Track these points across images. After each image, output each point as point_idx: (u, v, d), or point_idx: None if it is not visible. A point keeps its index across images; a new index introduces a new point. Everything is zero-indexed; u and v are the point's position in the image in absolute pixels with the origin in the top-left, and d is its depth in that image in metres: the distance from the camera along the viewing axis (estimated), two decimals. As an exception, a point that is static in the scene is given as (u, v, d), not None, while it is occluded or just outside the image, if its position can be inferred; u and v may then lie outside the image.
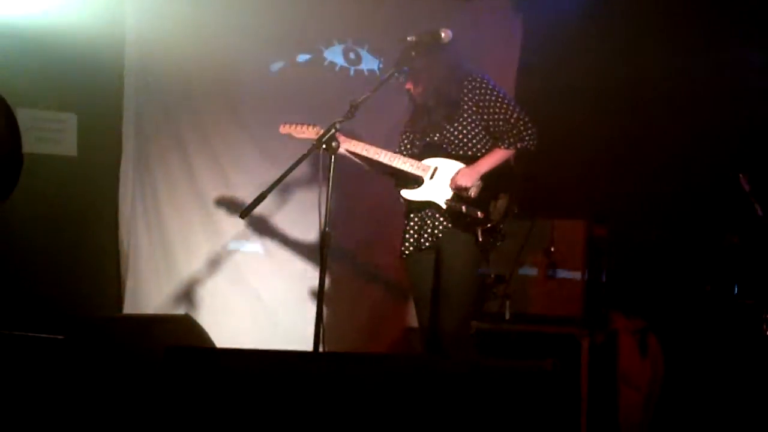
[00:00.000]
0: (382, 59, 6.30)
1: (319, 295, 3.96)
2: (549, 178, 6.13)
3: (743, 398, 5.19)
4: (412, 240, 4.50)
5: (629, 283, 6.05)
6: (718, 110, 6.00)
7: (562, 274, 5.44)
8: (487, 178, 4.40)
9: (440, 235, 4.41)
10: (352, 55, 6.32)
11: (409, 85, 4.57)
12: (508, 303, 5.48)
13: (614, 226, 5.69)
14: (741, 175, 5.02)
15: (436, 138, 4.51)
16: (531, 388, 2.98)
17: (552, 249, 5.47)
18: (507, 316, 5.49)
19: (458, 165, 4.43)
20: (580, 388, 5.23)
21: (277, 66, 5.99)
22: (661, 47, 6.13)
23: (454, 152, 4.46)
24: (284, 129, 4.57)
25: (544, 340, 5.40)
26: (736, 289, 5.19)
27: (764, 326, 4.88)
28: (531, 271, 5.50)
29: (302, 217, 5.65)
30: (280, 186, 4.19)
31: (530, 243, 5.49)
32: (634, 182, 6.24)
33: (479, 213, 4.34)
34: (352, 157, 4.51)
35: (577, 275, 5.42)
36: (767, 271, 5.19)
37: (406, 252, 4.52)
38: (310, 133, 4.45)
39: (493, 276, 5.47)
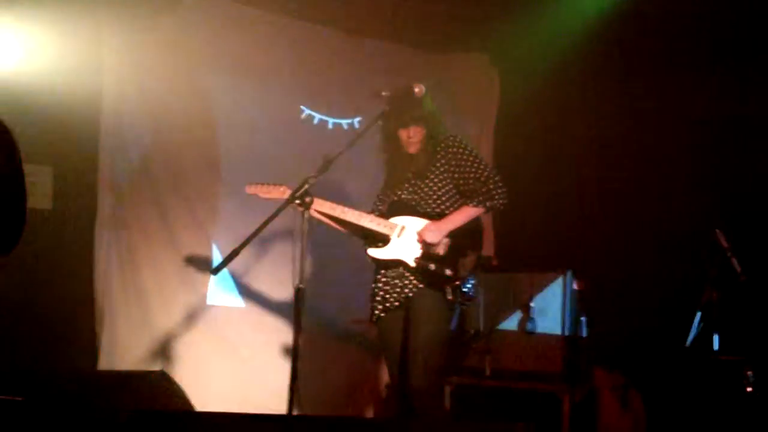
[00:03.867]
0: (360, 113, 6.31)
1: (294, 352, 3.89)
2: (528, 232, 6.13)
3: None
4: (381, 300, 4.45)
5: (609, 337, 6.02)
6: (698, 165, 6.02)
7: (542, 329, 5.40)
8: (455, 236, 4.37)
9: (410, 294, 4.35)
10: (330, 109, 6.33)
11: (384, 140, 4.56)
12: (488, 358, 5.44)
13: (593, 280, 5.67)
14: (717, 231, 5.00)
15: (405, 195, 4.48)
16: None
17: (531, 303, 5.44)
18: (487, 372, 5.44)
19: (426, 222, 4.41)
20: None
21: (256, 119, 5.96)
22: (638, 102, 6.16)
23: (422, 210, 4.42)
24: (250, 189, 4.51)
25: (524, 396, 5.34)
26: (716, 344, 5.15)
27: (745, 382, 4.84)
28: (510, 326, 5.46)
29: (279, 271, 5.58)
30: (258, 239, 4.13)
31: (510, 297, 5.47)
32: (613, 236, 6.23)
33: (448, 271, 4.30)
34: (321, 217, 4.47)
35: (556, 330, 5.38)
36: (747, 326, 5.17)
37: (377, 314, 4.47)
38: (277, 192, 4.38)
39: (472, 331, 5.43)
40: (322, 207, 4.38)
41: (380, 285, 4.46)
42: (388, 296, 4.41)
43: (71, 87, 5.28)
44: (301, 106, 6.19)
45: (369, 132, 4.36)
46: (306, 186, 4.00)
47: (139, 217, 5.61)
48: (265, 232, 4.07)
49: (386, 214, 4.48)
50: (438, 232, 4.34)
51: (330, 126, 6.28)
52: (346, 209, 4.42)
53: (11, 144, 1.87)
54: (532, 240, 6.21)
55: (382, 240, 4.42)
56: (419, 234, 4.36)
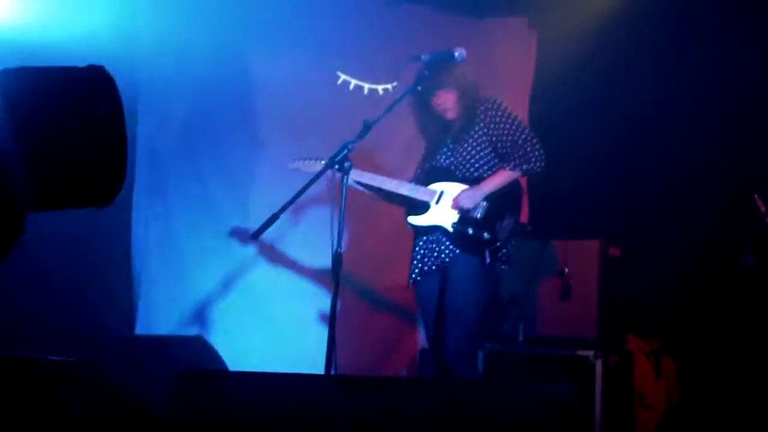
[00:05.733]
0: (396, 78, 6.29)
1: (332, 315, 3.94)
2: (563, 198, 6.10)
3: (757, 420, 5.14)
4: (419, 265, 4.49)
5: (643, 304, 6.01)
6: (734, 130, 5.96)
7: (576, 295, 5.40)
8: (492, 199, 4.38)
9: (447, 259, 4.38)
10: (366, 74, 6.31)
11: (421, 106, 4.57)
12: (521, 324, 5.46)
13: (628, 246, 5.66)
14: (756, 195, 4.97)
15: (443, 160, 4.49)
16: (545, 410, 2.95)
17: (566, 270, 5.43)
18: (520, 338, 5.46)
19: (463, 188, 4.41)
20: (594, 409, 5.18)
21: (292, 85, 5.97)
22: (676, 67, 6.10)
23: (460, 175, 4.44)
24: (293, 165, 4.60)
25: (557, 362, 5.36)
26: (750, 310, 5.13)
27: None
28: (544, 293, 5.47)
29: (314, 237, 5.60)
30: (294, 206, 4.17)
31: (544, 264, 5.47)
32: (649, 202, 6.20)
33: (485, 234, 4.32)
34: (359, 187, 4.49)
35: (591, 296, 5.38)
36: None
37: (414, 278, 4.51)
38: (318, 166, 4.35)
39: (506, 297, 5.44)
40: (361, 178, 4.42)
41: (418, 249, 4.50)
42: (426, 259, 4.45)
43: (106, 55, 5.24)
44: (338, 72, 6.19)
45: (407, 97, 4.38)
46: (345, 151, 4.03)
47: (176, 183, 5.67)
48: (301, 199, 4.12)
49: (425, 181, 4.51)
50: (472, 198, 4.35)
51: (366, 92, 6.27)
52: (385, 179, 4.46)
53: (115, 93, 1.84)
54: (567, 207, 6.18)
55: (421, 206, 4.45)
56: (455, 201, 4.38)
